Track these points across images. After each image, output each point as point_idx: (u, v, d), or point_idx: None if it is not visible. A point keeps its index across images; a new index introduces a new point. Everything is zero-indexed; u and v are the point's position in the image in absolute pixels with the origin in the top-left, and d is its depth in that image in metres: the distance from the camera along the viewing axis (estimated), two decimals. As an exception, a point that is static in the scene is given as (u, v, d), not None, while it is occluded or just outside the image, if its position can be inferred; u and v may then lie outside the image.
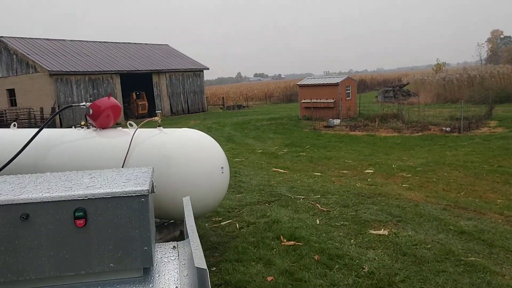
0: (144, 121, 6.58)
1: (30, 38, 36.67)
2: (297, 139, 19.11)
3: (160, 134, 6.11)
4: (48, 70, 32.21)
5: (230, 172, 11.35)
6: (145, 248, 1.82)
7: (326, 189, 9.13)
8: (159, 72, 40.76)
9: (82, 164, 6.36)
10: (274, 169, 12.16)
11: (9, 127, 6.94)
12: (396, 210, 7.41)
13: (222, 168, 5.98)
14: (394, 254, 5.57)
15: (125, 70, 37.69)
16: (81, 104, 6.85)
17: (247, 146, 18.19)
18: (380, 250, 5.71)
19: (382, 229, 6.46)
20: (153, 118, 6.43)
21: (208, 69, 46.54)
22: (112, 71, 36.66)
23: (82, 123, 7.10)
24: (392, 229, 6.46)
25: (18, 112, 30.84)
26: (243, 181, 10.29)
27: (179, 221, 6.31)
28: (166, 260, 1.99)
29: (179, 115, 41.24)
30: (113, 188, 1.78)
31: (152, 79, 40.43)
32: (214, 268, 5.38)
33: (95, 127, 6.87)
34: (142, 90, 40.05)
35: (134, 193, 1.78)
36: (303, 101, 26.78)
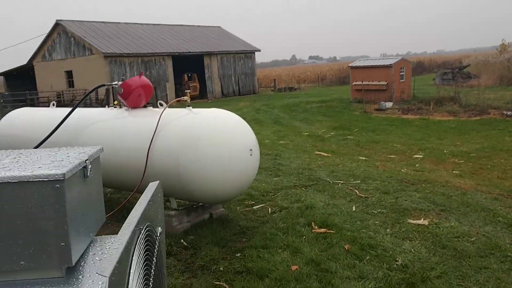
0: (173, 101, 6.42)
1: (87, 21, 37.72)
2: (345, 122, 18.53)
3: (189, 114, 5.93)
4: (103, 52, 33.08)
5: (269, 155, 11.15)
6: (62, 243, 1.53)
7: (367, 174, 8.68)
8: (210, 54, 40.89)
9: (111, 144, 6.30)
10: (317, 152, 11.78)
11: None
12: (440, 199, 6.89)
13: (251, 150, 5.74)
14: (432, 247, 5.13)
15: (177, 52, 38.08)
16: (113, 83, 6.80)
17: (293, 129, 17.85)
18: (417, 242, 5.29)
19: (422, 219, 6.00)
20: (182, 98, 6.26)
21: (259, 51, 46.20)
22: (164, 53, 37.14)
23: (115, 102, 7.05)
24: (433, 219, 5.99)
25: (75, 93, 31.94)
26: (282, 164, 10.01)
27: (207, 204, 6.15)
28: (97, 258, 1.69)
29: (230, 97, 41.31)
30: (24, 171, 1.50)
31: (203, 61, 40.63)
32: (238, 254, 5.17)
33: (126, 106, 6.80)
34: (194, 72, 40.36)
35: (47, 178, 1.48)
36: (354, 83, 25.97)
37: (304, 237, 5.55)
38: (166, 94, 37.53)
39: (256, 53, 46.35)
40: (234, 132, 5.73)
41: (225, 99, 39.44)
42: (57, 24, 36.51)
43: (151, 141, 5.74)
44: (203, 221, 6.23)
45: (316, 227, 5.82)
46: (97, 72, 33.40)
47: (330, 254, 5.00)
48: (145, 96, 6.79)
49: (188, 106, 6.09)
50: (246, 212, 6.71)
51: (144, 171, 5.76)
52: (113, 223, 6.41)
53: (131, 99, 6.65)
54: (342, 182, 8.11)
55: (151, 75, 36.25)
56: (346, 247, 5.16)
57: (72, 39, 35.62)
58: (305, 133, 16.27)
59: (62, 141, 6.79)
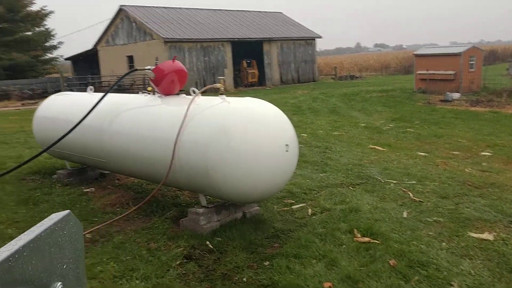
0: (204, 88, 5.89)
1: (149, 7, 38.15)
2: (406, 114, 17.32)
3: (221, 103, 5.37)
4: (163, 38, 33.31)
5: (318, 147, 10.42)
6: None
7: (425, 174, 7.78)
8: (270, 40, 40.20)
9: (141, 132, 5.91)
10: (371, 146, 10.90)
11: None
12: (510, 208, 5.93)
13: (287, 145, 5.10)
14: (497, 269, 4.28)
15: (236, 38, 37.71)
16: (146, 67, 6.37)
17: (350, 119, 16.91)
18: (479, 261, 4.45)
19: (487, 232, 5.12)
20: (215, 85, 5.71)
21: (320, 37, 44.92)
22: (223, 38, 36.89)
23: (149, 88, 6.62)
24: (501, 233, 5.09)
25: (134, 77, 32.43)
26: (331, 158, 9.26)
27: (238, 203, 5.58)
28: None
29: (289, 84, 40.53)
30: None
31: (263, 48, 40.03)
32: (267, 263, 4.58)
33: (159, 93, 6.35)
34: (253, 58, 39.87)
35: None
36: (419, 72, 24.39)
37: (344, 246, 4.86)
38: (224, 81, 37.34)
39: (319, 40, 45.15)
40: (270, 125, 5.11)
41: (283, 87, 38.71)
42: (121, 10, 37.17)
43: (179, 132, 5.25)
44: (235, 221, 5.68)
45: (359, 235, 5.11)
46: (157, 57, 33.63)
47: (372, 270, 4.29)
48: (179, 82, 6.31)
49: (222, 94, 5.53)
50: (283, 212, 6.09)
51: (171, 164, 5.29)
52: (140, 218, 6.02)
53: (164, 85, 6.19)
54: (395, 182, 7.28)
55: (210, 61, 36.17)
56: (391, 262, 4.43)
57: (134, 24, 36.15)
58: (362, 124, 15.32)
59: (94, 125, 6.52)
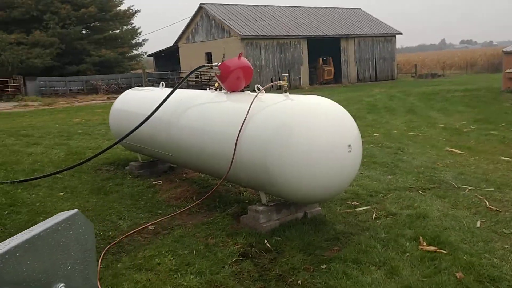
0: (268, 85, 5.82)
1: (227, 4, 38.83)
2: (491, 115, 16.19)
3: (285, 100, 5.29)
4: (240, 35, 33.79)
5: (390, 148, 10.00)
6: None
7: (506, 181, 7.19)
8: (347, 37, 39.45)
9: (205, 127, 5.99)
10: (448, 148, 10.29)
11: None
12: None
13: (349, 146, 4.92)
14: None
15: (313, 35, 37.40)
16: (213, 64, 6.43)
17: (428, 119, 16.12)
18: (560, 281, 4.02)
19: None
20: (279, 82, 5.62)
21: (401, 34, 43.37)
22: (299, 35, 36.73)
23: (216, 85, 6.68)
24: None
25: (212, 74, 33.18)
26: (403, 160, 8.85)
27: (297, 202, 5.47)
28: None
29: (365, 82, 39.57)
30: None
31: (340, 44, 39.35)
32: (324, 266, 4.44)
33: (224, 89, 6.39)
34: (329, 55, 39.34)
35: None
36: (508, 70, 22.77)
37: (407, 254, 4.60)
38: (300, 78, 37.20)
39: (399, 36, 43.64)
40: (332, 124, 4.95)
41: (359, 84, 37.84)
42: (200, 8, 38.20)
43: (241, 128, 5.24)
44: (295, 221, 5.58)
45: (425, 244, 4.81)
46: (234, 54, 34.03)
47: (435, 282, 4.01)
48: (245, 79, 6.30)
49: (285, 91, 5.45)
50: (346, 214, 5.89)
51: (232, 160, 5.30)
52: (202, 213, 6.10)
53: (229, 81, 6.21)
54: (470, 188, 6.79)
55: (285, 58, 36.17)
56: (458, 275, 4.12)
57: (213, 21, 36.98)
58: (440, 125, 14.53)
59: (162, 119, 6.69)
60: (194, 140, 6.10)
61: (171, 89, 6.88)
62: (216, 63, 6.33)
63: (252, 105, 5.32)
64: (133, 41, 51.97)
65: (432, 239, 4.89)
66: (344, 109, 5.24)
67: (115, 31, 49.31)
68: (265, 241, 5.02)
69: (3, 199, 6.06)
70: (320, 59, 39.01)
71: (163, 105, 6.50)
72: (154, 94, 7.91)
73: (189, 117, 6.33)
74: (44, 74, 39.52)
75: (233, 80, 6.20)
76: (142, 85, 31.14)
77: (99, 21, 46.91)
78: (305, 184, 4.85)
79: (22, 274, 1.04)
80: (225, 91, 6.39)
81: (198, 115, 6.24)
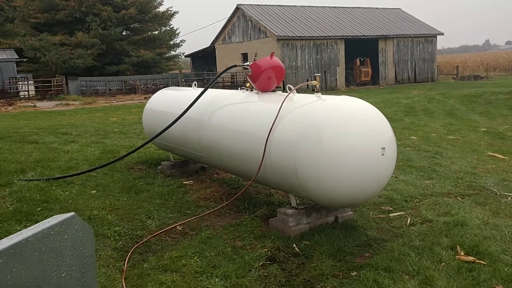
0: (299, 85, 5.69)
1: (264, 5, 38.81)
2: (537, 119, 15.50)
3: (316, 101, 5.15)
4: (276, 35, 33.68)
5: (428, 152, 9.65)
6: None
7: (552, 189, 6.80)
8: (386, 38, 38.71)
9: (235, 127, 5.92)
10: (490, 153, 9.87)
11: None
12: None
13: (383, 149, 4.73)
14: None
15: (350, 36, 36.89)
16: (244, 63, 6.35)
17: (469, 123, 15.59)
18: None
19: None
20: (310, 81, 5.48)
21: (442, 34, 42.21)
22: (336, 36, 36.30)
23: (247, 85, 6.59)
24: None
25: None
26: (441, 164, 8.52)
27: (327, 206, 5.31)
28: None
29: (404, 84, 38.72)
30: None
31: (378, 45, 38.66)
32: (354, 273, 4.28)
33: (256, 89, 6.29)
34: (367, 56, 38.70)
35: None
36: (556, 72, 21.71)
37: (443, 264, 4.37)
38: (336, 79, 36.76)
39: (441, 37, 42.48)
40: (365, 126, 4.76)
41: (398, 86, 37.05)
42: (237, 8, 38.31)
43: (271, 129, 5.13)
44: (325, 225, 5.42)
45: (462, 253, 4.57)
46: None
47: (472, 295, 3.79)
48: (276, 79, 6.19)
49: (317, 92, 5.30)
50: (379, 219, 5.69)
51: (261, 161, 5.19)
52: (231, 214, 6.03)
53: (260, 81, 6.11)
54: (513, 195, 6.46)
55: (322, 58, 35.81)
56: (498, 288, 3.88)
57: (250, 22, 37.02)
58: (482, 129, 14.01)
59: (193, 119, 6.67)
60: (224, 141, 6.04)
61: (203, 89, 6.84)
62: (248, 63, 6.24)
63: (282, 106, 5.20)
64: (171, 42, 52.74)
65: (470, 248, 4.64)
66: (378, 111, 5.05)
67: (154, 32, 50.15)
68: (294, 245, 4.89)
69: (37, 195, 6.16)
70: (358, 60, 38.43)
71: (194, 105, 6.46)
72: (185, 94, 7.91)
73: (219, 117, 6.27)
74: (86, 74, 40.64)
75: (264, 80, 6.10)
76: (178, 85, 31.48)
77: (139, 22, 47.83)
78: (335, 188, 4.69)
79: (7, 283, 0.96)
80: (256, 91, 6.30)
81: (228, 115, 6.17)
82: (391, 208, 6.05)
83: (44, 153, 9.28)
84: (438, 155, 9.39)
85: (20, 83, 36.12)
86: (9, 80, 35.59)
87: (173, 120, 6.56)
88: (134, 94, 35.98)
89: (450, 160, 8.92)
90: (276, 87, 6.24)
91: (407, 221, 5.58)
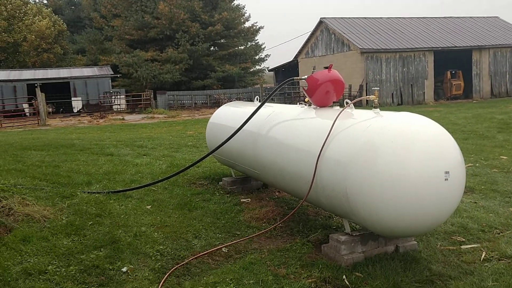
0: (355, 100, 5.21)
1: (348, 18, 38.06)
2: None
3: (372, 118, 4.66)
4: (360, 48, 32.78)
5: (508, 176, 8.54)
6: None
7: None
8: (480, 49, 36.16)
9: (287, 145, 5.58)
10: None
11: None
12: None
13: (447, 173, 4.14)
14: None
15: (440, 47, 34.93)
16: (303, 77, 5.99)
17: None
18: None
19: None
20: (368, 96, 5.00)
21: (547, 43, 38.54)
22: (425, 48, 34.57)
23: (306, 99, 6.22)
24: None
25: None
26: (532, 189, 7.49)
27: (381, 235, 4.76)
28: None
29: (501, 98, 35.84)
30: None
31: (471, 57, 36.21)
32: (407, 315, 3.72)
33: (313, 104, 5.90)
34: (458, 68, 36.38)
35: None
36: None
37: (518, 312, 3.67)
38: (424, 93, 34.93)
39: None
40: (426, 146, 4.19)
41: (493, 100, 34.35)
42: (321, 22, 37.91)
43: (322, 148, 4.73)
44: (383, 255, 4.86)
45: (544, 301, 3.82)
46: (352, 68, 33.32)
47: None
48: (335, 93, 5.76)
49: (375, 107, 4.82)
50: (447, 251, 5.00)
51: (312, 182, 4.80)
52: (283, 237, 5.65)
53: (317, 95, 5.73)
54: None
55: (409, 71, 34.25)
56: None
57: (333, 35, 36.43)
58: None
59: (249, 134, 6.46)
60: (277, 158, 5.71)
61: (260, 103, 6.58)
62: (305, 76, 5.88)
63: (335, 122, 4.78)
64: (256, 57, 53.46)
65: (555, 295, 3.88)
66: (444, 129, 4.45)
67: (239, 47, 51.17)
68: (344, 276, 4.41)
69: (93, 208, 6.21)
70: (448, 72, 36.23)
71: (250, 120, 6.22)
72: (245, 109, 7.70)
73: (273, 133, 5.96)
74: (174, 89, 42.38)
75: (321, 95, 5.70)
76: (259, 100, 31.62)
77: (225, 38, 49.07)
78: (389, 217, 4.16)
79: None
80: (314, 106, 5.91)
81: (281, 131, 5.84)
82: (464, 239, 5.33)
83: (115, 166, 9.52)
84: (530, 178, 8.30)
85: (113, 97, 38.48)
86: (104, 94, 38.06)
87: (228, 136, 6.37)
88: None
89: (544, 184, 7.82)
90: (334, 102, 5.81)
91: (482, 255, 4.85)
